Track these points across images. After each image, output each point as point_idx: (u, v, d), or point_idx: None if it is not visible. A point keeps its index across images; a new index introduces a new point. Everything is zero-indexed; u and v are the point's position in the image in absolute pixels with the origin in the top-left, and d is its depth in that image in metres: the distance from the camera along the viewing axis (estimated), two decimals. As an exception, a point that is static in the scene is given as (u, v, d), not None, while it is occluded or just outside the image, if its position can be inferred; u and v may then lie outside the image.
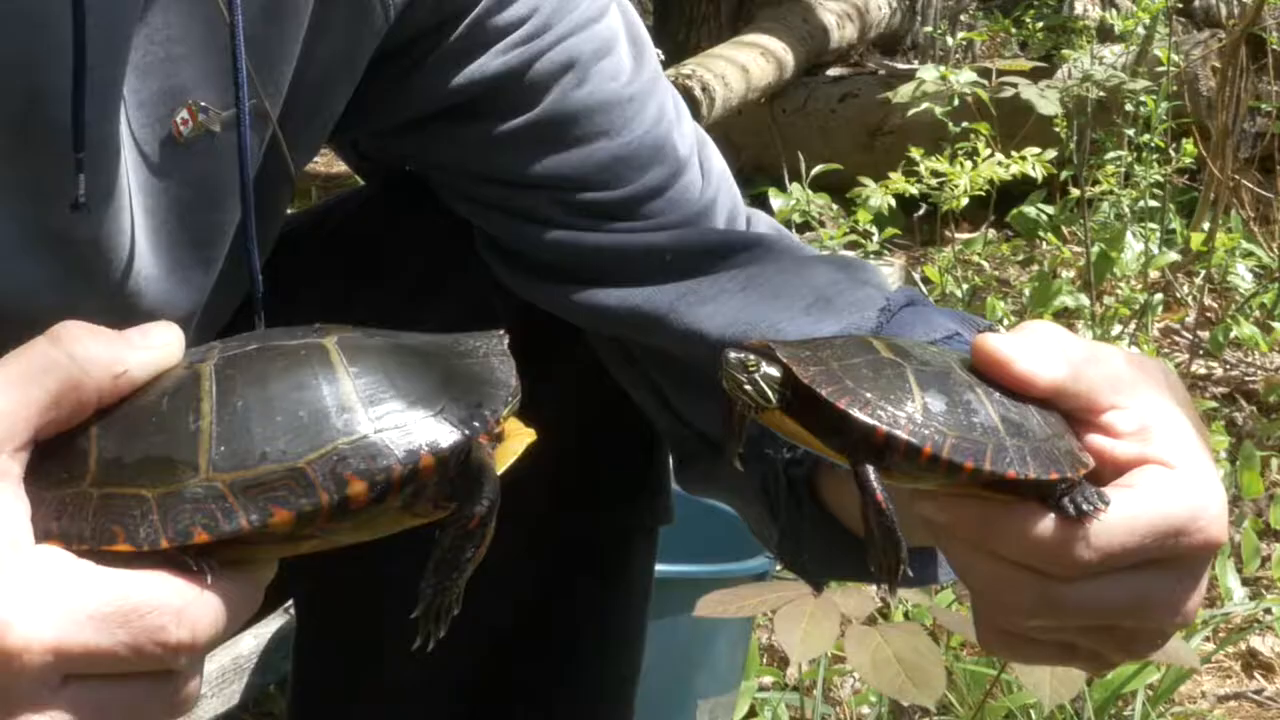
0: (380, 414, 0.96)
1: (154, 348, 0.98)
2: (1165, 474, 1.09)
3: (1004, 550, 1.08)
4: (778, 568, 2.55)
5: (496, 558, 1.58)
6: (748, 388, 1.09)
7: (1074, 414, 1.12)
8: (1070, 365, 1.11)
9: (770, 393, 1.09)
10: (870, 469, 1.06)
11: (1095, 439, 1.11)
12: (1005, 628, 1.12)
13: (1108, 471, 1.10)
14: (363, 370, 0.97)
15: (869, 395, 1.06)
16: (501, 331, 1.04)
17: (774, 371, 1.09)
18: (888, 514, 1.06)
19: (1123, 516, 1.06)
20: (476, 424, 0.97)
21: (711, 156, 1.56)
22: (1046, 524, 1.06)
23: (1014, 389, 1.10)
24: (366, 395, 0.96)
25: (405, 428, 0.96)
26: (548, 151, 1.47)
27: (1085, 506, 1.06)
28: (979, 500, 1.09)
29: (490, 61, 1.44)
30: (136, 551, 0.92)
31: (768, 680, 2.96)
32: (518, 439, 1.03)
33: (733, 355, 1.09)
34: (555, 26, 1.45)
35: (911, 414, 1.06)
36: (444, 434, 0.96)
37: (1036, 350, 1.11)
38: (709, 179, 1.54)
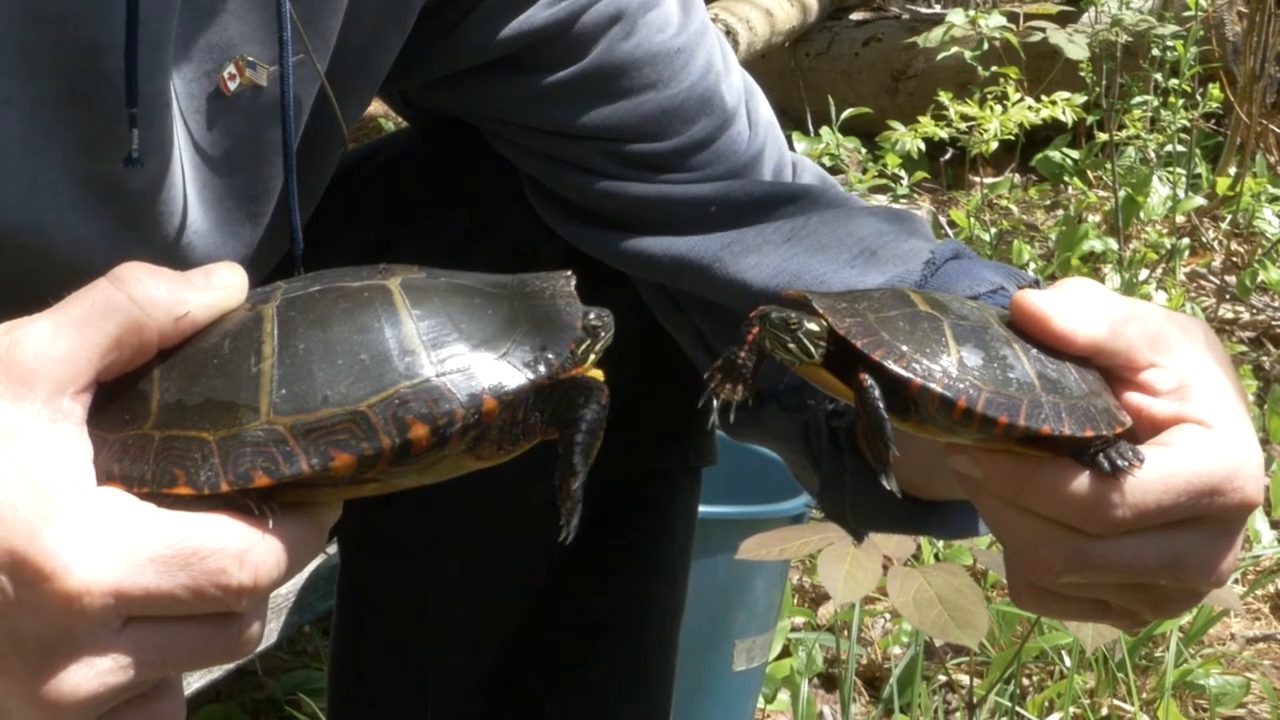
0: (443, 357, 0.95)
1: (216, 289, 0.98)
2: (1202, 433, 1.08)
3: (1037, 506, 1.08)
4: (814, 509, 2.55)
5: (540, 500, 1.59)
6: (791, 345, 1.09)
7: (1112, 372, 1.12)
8: (1109, 323, 1.11)
9: (813, 349, 1.09)
10: (869, 379, 1.06)
11: (1133, 396, 1.11)
12: (1038, 583, 1.12)
13: (1145, 429, 1.10)
14: (426, 312, 0.96)
15: (904, 348, 1.06)
16: (568, 273, 1.03)
17: (814, 327, 1.08)
18: (872, 400, 1.06)
19: (1158, 474, 1.06)
20: (542, 367, 0.96)
21: (759, 106, 1.56)
22: (1081, 480, 1.06)
23: (1052, 346, 1.10)
24: (429, 338, 0.95)
25: (469, 371, 0.95)
26: (596, 103, 1.47)
27: (1120, 463, 1.05)
28: (1013, 456, 1.09)
29: (538, 13, 1.44)
30: (197, 494, 0.92)
31: (799, 620, 2.97)
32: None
33: (775, 315, 1.08)
34: None
35: (946, 367, 1.06)
36: (508, 377, 0.95)
37: (1075, 307, 1.11)
38: (756, 129, 1.53)
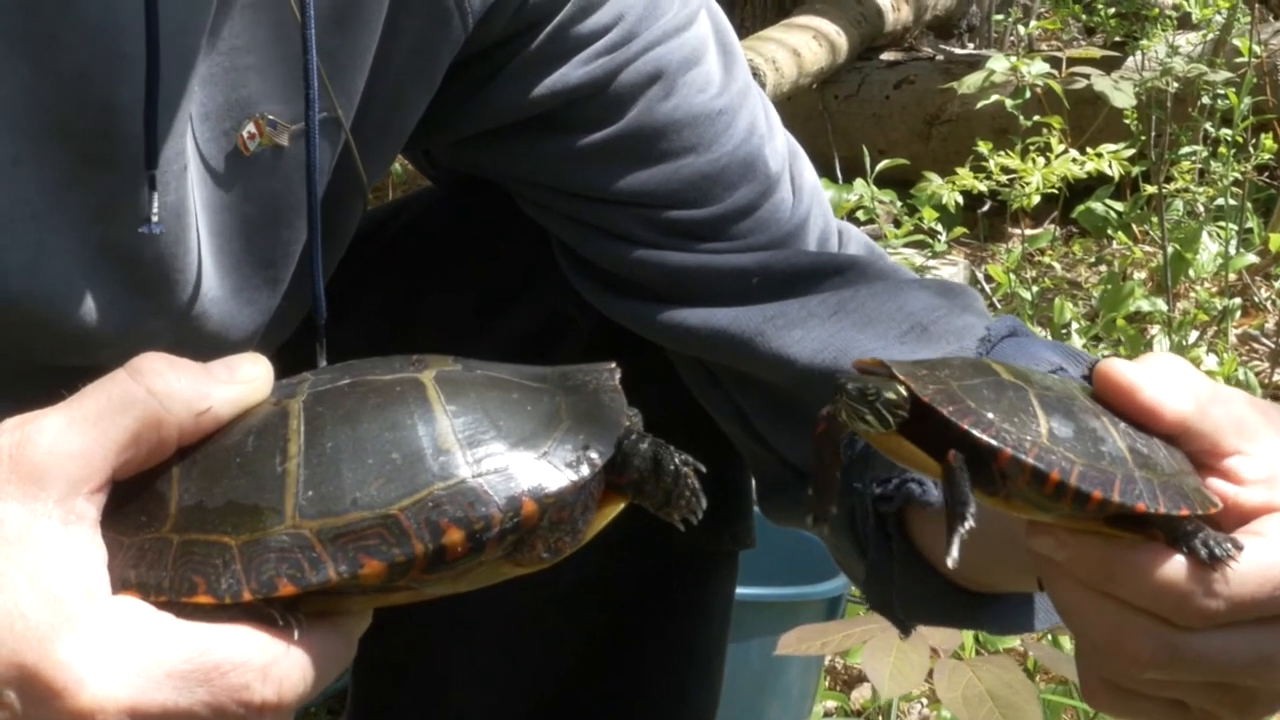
0: (480, 456, 0.91)
1: (240, 383, 0.94)
2: None
3: (1124, 593, 1.02)
4: (853, 590, 2.49)
5: (571, 583, 1.54)
6: (869, 417, 1.03)
7: (1196, 456, 1.07)
8: (1197, 400, 1.06)
9: (891, 419, 1.03)
10: (959, 455, 1.01)
11: (1218, 484, 1.06)
12: (1115, 679, 1.06)
13: (1231, 519, 1.05)
14: (462, 408, 0.93)
15: (991, 416, 1.01)
16: (612, 365, 0.99)
17: (893, 395, 1.03)
18: (961, 483, 1.01)
19: (1255, 565, 1.01)
20: (585, 468, 0.92)
21: (803, 170, 1.51)
22: (1175, 566, 1.01)
23: (1137, 419, 1.06)
24: (465, 436, 0.92)
25: (507, 471, 0.91)
26: (632, 167, 1.42)
27: (1218, 551, 1.00)
28: (1100, 537, 1.03)
29: (572, 71, 1.39)
30: (218, 603, 0.88)
31: (831, 705, 2.90)
32: (612, 505, 0.98)
33: (852, 386, 1.03)
34: (641, 35, 1.40)
35: (1037, 438, 1.01)
36: (549, 478, 0.91)
37: (1163, 380, 1.06)
38: (800, 196, 1.49)
